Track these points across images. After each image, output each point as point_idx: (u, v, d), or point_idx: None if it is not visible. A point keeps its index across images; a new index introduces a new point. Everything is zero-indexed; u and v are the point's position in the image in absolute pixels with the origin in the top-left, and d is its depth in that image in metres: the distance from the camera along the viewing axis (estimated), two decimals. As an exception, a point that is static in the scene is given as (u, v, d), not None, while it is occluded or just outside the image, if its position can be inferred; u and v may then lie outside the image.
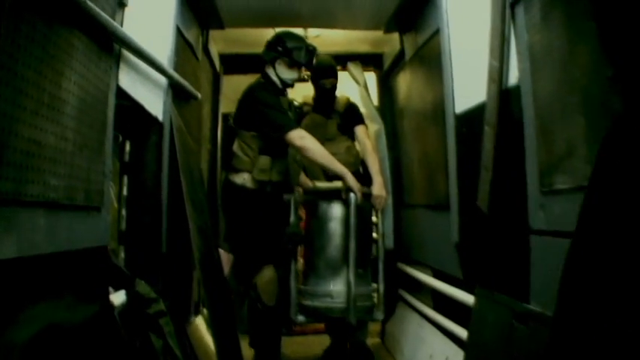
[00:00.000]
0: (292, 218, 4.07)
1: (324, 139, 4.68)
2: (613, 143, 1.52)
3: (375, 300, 4.19)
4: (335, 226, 4.08)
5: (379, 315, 4.26)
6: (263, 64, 4.26)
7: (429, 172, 4.27)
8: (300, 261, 4.30)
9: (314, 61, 4.28)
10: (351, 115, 4.83)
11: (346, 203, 4.00)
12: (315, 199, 4.18)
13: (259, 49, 4.28)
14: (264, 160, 4.04)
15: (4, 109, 1.57)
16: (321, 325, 4.97)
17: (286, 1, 4.47)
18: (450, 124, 3.50)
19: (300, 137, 3.94)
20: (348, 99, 4.95)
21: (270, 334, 4.11)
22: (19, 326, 1.70)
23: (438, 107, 3.76)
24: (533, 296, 2.43)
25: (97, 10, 2.15)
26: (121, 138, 3.26)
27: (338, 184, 4.06)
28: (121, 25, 2.54)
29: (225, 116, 5.63)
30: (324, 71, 4.73)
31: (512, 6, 2.61)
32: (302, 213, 4.33)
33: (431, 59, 3.98)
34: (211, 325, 3.54)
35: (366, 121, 4.94)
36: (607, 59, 1.87)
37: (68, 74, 2.02)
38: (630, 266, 1.40)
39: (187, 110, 4.06)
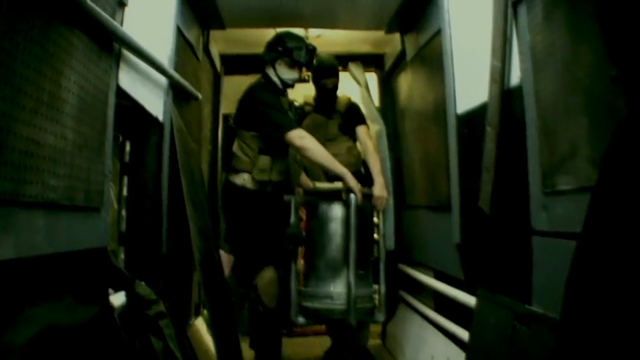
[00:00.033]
0: (293, 219, 4.05)
1: (325, 140, 4.67)
2: (619, 144, 1.50)
3: (377, 301, 4.17)
4: (335, 227, 4.05)
5: (380, 317, 4.24)
6: (264, 64, 4.25)
7: (430, 173, 4.25)
8: (301, 262, 4.28)
9: (314, 61, 4.27)
10: (353, 115, 4.81)
11: (346, 204, 3.98)
12: (316, 200, 4.16)
13: (260, 50, 4.27)
14: (264, 160, 4.03)
15: (3, 108, 1.56)
16: (322, 327, 4.95)
17: (287, 1, 4.46)
18: (452, 124, 3.49)
19: (300, 137, 3.93)
20: (349, 99, 4.93)
21: (271, 335, 4.10)
22: (18, 328, 1.69)
23: (440, 108, 3.75)
24: (535, 297, 2.42)
25: (97, 9, 2.14)
26: (121, 138, 3.24)
27: (338, 184, 4.04)
28: (121, 25, 2.52)
29: (226, 117, 5.62)
30: (325, 71, 4.72)
31: (515, 6, 2.60)
32: (303, 214, 4.31)
33: (432, 59, 3.96)
34: (212, 326, 3.52)
35: (367, 122, 4.92)
36: (610, 59, 1.85)
37: (68, 73, 2.00)
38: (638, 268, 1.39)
39: (188, 111, 4.04)
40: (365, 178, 4.53)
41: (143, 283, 2.71)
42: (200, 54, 4.59)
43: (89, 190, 2.23)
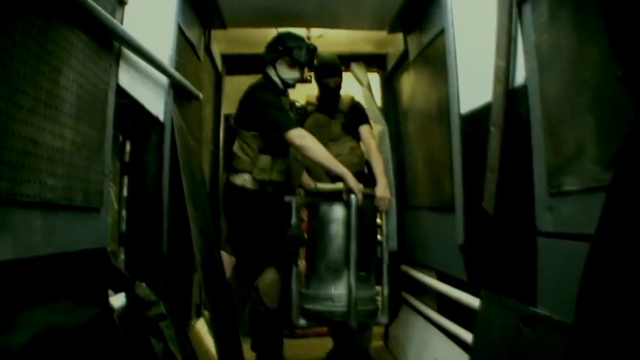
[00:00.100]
0: (294, 220, 4.03)
1: (327, 140, 4.65)
2: (634, 143, 1.48)
3: (379, 303, 4.14)
4: (336, 229, 4.03)
5: (383, 319, 4.21)
6: (265, 64, 4.23)
7: (433, 174, 4.23)
8: (303, 263, 4.26)
9: (315, 60, 4.26)
10: (356, 115, 4.79)
11: (347, 205, 3.95)
12: (317, 201, 4.14)
13: (262, 50, 4.26)
14: (265, 160, 4.01)
15: (0, 107, 1.53)
16: (324, 328, 4.92)
17: (289, 1, 4.45)
18: (455, 124, 3.47)
19: (300, 136, 3.91)
20: (352, 98, 4.91)
21: (272, 336, 4.08)
22: (16, 330, 1.66)
23: (443, 108, 3.73)
24: (540, 299, 2.40)
25: (97, 7, 2.11)
26: (121, 138, 3.22)
27: (339, 185, 4.01)
28: (121, 23, 2.49)
29: (227, 117, 5.60)
30: (328, 70, 4.70)
31: (519, 5, 2.58)
32: (304, 215, 4.29)
33: (436, 59, 3.94)
34: (213, 327, 3.50)
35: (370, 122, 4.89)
36: (617, 58, 1.83)
37: (66, 72, 1.97)
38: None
39: (189, 110, 4.02)
40: (368, 178, 4.50)
41: (143, 284, 2.69)
42: (201, 54, 4.57)
43: (88, 190, 2.20)
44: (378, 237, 4.36)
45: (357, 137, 4.78)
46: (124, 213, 3.30)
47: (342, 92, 4.85)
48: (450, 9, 3.54)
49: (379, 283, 4.19)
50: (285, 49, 4.10)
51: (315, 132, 4.51)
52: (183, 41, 3.78)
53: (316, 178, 4.55)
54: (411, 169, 5.02)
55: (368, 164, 4.71)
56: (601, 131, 1.94)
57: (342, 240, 3.98)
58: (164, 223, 3.34)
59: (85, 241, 2.21)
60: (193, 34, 4.16)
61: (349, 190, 3.92)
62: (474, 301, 3.19)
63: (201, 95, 4.21)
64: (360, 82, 5.63)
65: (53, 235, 1.91)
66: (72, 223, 2.09)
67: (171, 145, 3.44)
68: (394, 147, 5.39)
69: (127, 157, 3.33)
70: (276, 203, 4.03)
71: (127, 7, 2.56)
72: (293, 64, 4.13)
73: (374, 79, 5.87)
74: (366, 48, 5.76)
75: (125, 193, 3.32)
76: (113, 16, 2.36)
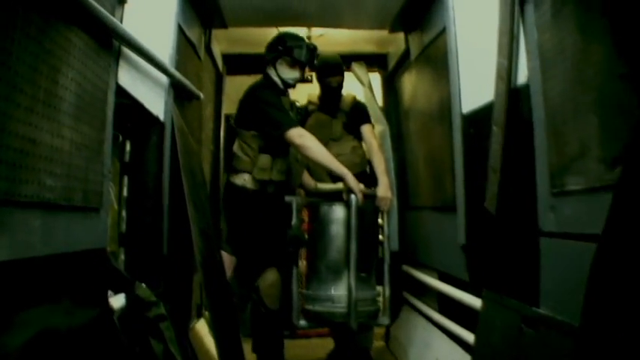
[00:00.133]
0: (294, 221, 4.01)
1: (329, 139, 4.65)
2: None
3: (380, 304, 4.12)
4: (336, 229, 4.01)
5: (384, 320, 4.19)
6: (265, 64, 4.22)
7: (435, 174, 4.21)
8: (303, 263, 4.24)
9: (316, 59, 4.25)
10: (358, 114, 4.77)
11: (347, 205, 3.93)
12: (317, 201, 4.12)
13: (263, 49, 4.25)
14: (264, 159, 4.00)
15: (-3, 106, 1.52)
16: (325, 329, 4.90)
17: (290, 0, 4.43)
18: (457, 124, 3.45)
19: (300, 135, 3.90)
20: (354, 97, 4.89)
21: (274, 338, 4.06)
22: (13, 331, 1.65)
23: (445, 107, 3.72)
24: (542, 300, 2.38)
25: (96, 5, 2.10)
26: (121, 138, 3.20)
27: (340, 185, 4.00)
28: (121, 22, 2.48)
29: (228, 117, 5.59)
30: (329, 69, 4.68)
31: (522, 3, 2.56)
32: (305, 215, 4.27)
33: (437, 59, 3.93)
34: (213, 328, 3.48)
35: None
36: (620, 57, 1.82)
37: (65, 70, 1.96)
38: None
39: (189, 110, 4.01)
40: (370, 178, 4.49)
41: (143, 284, 2.67)
42: (202, 53, 4.56)
43: (88, 190, 2.18)
44: (380, 237, 4.33)
45: (358, 137, 4.76)
46: (124, 213, 3.29)
47: (344, 92, 4.83)
48: (451, 8, 3.52)
49: (380, 283, 4.17)
50: (285, 48, 4.10)
51: (316, 131, 4.50)
52: (183, 40, 3.77)
53: (317, 178, 4.53)
54: (412, 168, 5.00)
55: (370, 164, 4.69)
56: (604, 130, 1.92)
57: (342, 240, 3.96)
58: (164, 224, 3.32)
59: (85, 241, 2.20)
60: (194, 34, 4.15)
61: (349, 190, 3.90)
62: (475, 302, 3.17)
63: (201, 95, 4.20)
64: (361, 82, 5.61)
65: (52, 236, 1.90)
66: (71, 223, 2.07)
67: (172, 145, 3.42)
68: (395, 147, 5.37)
69: (127, 157, 3.31)
70: (276, 203, 4.02)
71: (126, 6, 2.55)
72: (293, 63, 4.13)
73: (375, 78, 5.85)
74: (367, 47, 5.75)
75: (125, 193, 3.31)
76: (113, 14, 2.34)
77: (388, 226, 4.31)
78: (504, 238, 2.82)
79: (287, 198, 4.01)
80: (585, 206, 2.05)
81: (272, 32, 4.53)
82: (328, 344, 4.75)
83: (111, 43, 2.40)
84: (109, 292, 2.51)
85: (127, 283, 2.58)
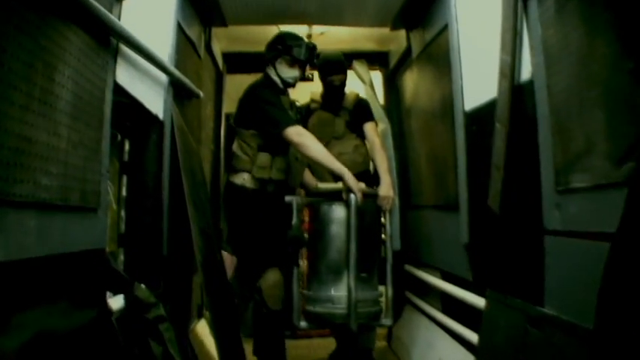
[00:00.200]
0: (294, 221, 3.97)
1: (331, 138, 4.62)
2: None
3: (383, 305, 4.08)
4: (336, 229, 3.97)
5: (387, 321, 4.14)
6: (265, 64, 4.20)
7: (437, 172, 4.19)
8: (305, 263, 4.20)
9: (315, 58, 4.23)
10: (361, 112, 4.74)
11: (347, 204, 3.89)
12: (317, 201, 4.08)
13: (263, 48, 4.22)
14: (264, 158, 3.98)
15: (-10, 103, 1.49)
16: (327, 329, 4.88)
17: (291, -3, 4.41)
18: (459, 122, 3.43)
19: (298, 134, 3.88)
20: (357, 95, 4.86)
21: (276, 338, 4.03)
22: (9, 333, 1.62)
23: (447, 105, 3.69)
24: (547, 299, 2.36)
25: (92, 2, 2.07)
26: (119, 137, 3.18)
27: (340, 184, 3.96)
28: (119, 19, 2.45)
29: (229, 116, 5.56)
30: (332, 67, 4.66)
31: (525, -1, 2.53)
32: (305, 215, 4.23)
33: (439, 56, 3.90)
34: (214, 330, 3.45)
35: (373, 120, 4.85)
36: (627, 51, 1.78)
37: (61, 68, 1.93)
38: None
39: (189, 109, 3.98)
40: (374, 177, 4.45)
41: (143, 285, 2.65)
42: (202, 52, 4.53)
43: (85, 190, 2.15)
44: (382, 236, 4.29)
45: (361, 135, 4.72)
46: (123, 213, 3.26)
47: (347, 89, 4.80)
48: (453, 4, 3.50)
49: (383, 283, 4.13)
50: (284, 47, 4.08)
51: (318, 130, 4.48)
52: (182, 39, 3.74)
53: (319, 177, 4.50)
54: (414, 167, 4.98)
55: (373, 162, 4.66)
56: (611, 126, 1.90)
57: (342, 240, 3.92)
58: (164, 224, 3.30)
59: (82, 242, 2.17)
60: (193, 32, 4.12)
61: (348, 190, 3.86)
62: (479, 301, 3.15)
63: (201, 94, 4.18)
64: (363, 80, 5.58)
65: (48, 236, 1.87)
66: (68, 223, 2.04)
67: (171, 144, 3.40)
68: (397, 145, 5.35)
69: (126, 157, 3.29)
70: (276, 203, 3.99)
71: (125, 4, 2.52)
72: (293, 62, 4.11)
73: (376, 76, 5.82)
74: (368, 45, 5.72)
75: (124, 192, 3.28)
76: (110, 11, 2.31)
77: (390, 226, 4.26)
78: (508, 237, 2.80)
79: (287, 198, 3.97)
80: (591, 204, 2.03)
81: (272, 30, 4.51)
82: (330, 344, 4.72)
83: (108, 40, 2.37)
84: (108, 293, 2.49)
85: (125, 283, 2.56)
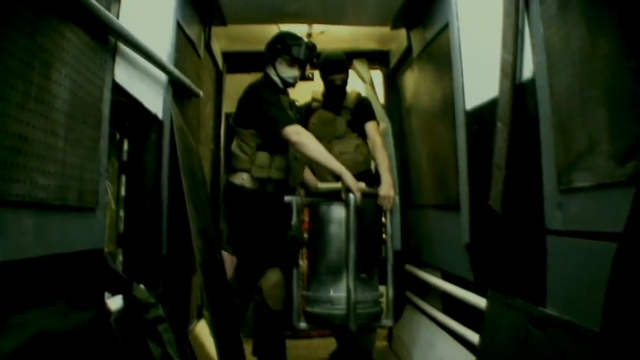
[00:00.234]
0: (294, 221, 3.95)
1: (332, 137, 4.60)
2: None
3: (384, 306, 4.05)
4: (335, 229, 3.93)
5: (388, 322, 4.10)
6: (264, 63, 4.19)
7: (438, 172, 4.17)
8: (305, 264, 4.18)
9: (315, 57, 4.21)
10: (362, 111, 4.70)
11: (346, 204, 3.86)
12: (316, 201, 4.06)
13: (263, 47, 4.20)
14: (262, 157, 3.97)
15: (-15, 102, 1.47)
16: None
17: (290, -4, 4.40)
18: (460, 121, 3.41)
19: (297, 133, 3.86)
20: (358, 94, 4.83)
21: (276, 339, 4.01)
22: (6, 334, 1.60)
23: (448, 104, 3.67)
24: (550, 300, 2.34)
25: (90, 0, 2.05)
26: (118, 136, 3.16)
27: (339, 184, 3.93)
28: (117, 18, 2.43)
29: (228, 116, 5.55)
30: (333, 66, 4.63)
31: (527, -4, 2.52)
32: (305, 215, 4.21)
33: (440, 55, 3.89)
34: (213, 330, 3.44)
35: (374, 119, 4.83)
36: (630, 49, 1.77)
37: (59, 66, 1.91)
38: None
39: (189, 109, 3.97)
40: (376, 177, 4.42)
41: (142, 285, 2.63)
42: (201, 51, 4.51)
43: (83, 190, 2.13)
44: (383, 236, 4.27)
45: (363, 135, 4.69)
46: (122, 213, 3.25)
47: (348, 89, 4.78)
48: (454, 3, 3.48)
49: (384, 283, 4.11)
50: (283, 47, 4.07)
51: (320, 129, 4.46)
52: (182, 38, 3.73)
53: (320, 177, 4.48)
54: (415, 166, 4.96)
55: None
56: (614, 125, 1.88)
57: (341, 241, 3.89)
58: (163, 224, 3.29)
59: (80, 242, 2.15)
60: (193, 31, 4.11)
61: (347, 189, 3.82)
62: (480, 302, 3.13)
63: (201, 93, 4.17)
64: (363, 79, 5.56)
65: (45, 236, 1.85)
66: (66, 223, 2.03)
67: (171, 143, 3.38)
68: (398, 145, 5.33)
69: (125, 156, 3.27)
70: (275, 203, 3.97)
71: (124, 3, 2.50)
72: (292, 62, 4.09)
73: (376, 76, 5.80)
74: (369, 44, 5.70)
75: (123, 192, 3.26)
76: (109, 10, 2.29)
77: (391, 225, 4.23)
78: (509, 237, 2.79)
79: (286, 198, 3.94)
80: (594, 203, 2.01)
81: (272, 30, 4.49)
82: (330, 344, 4.70)
83: (107, 39, 2.36)
84: (107, 294, 2.47)
85: (124, 284, 2.54)
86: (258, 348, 4.01)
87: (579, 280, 2.10)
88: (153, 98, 3.12)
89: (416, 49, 4.59)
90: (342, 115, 4.71)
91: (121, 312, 2.47)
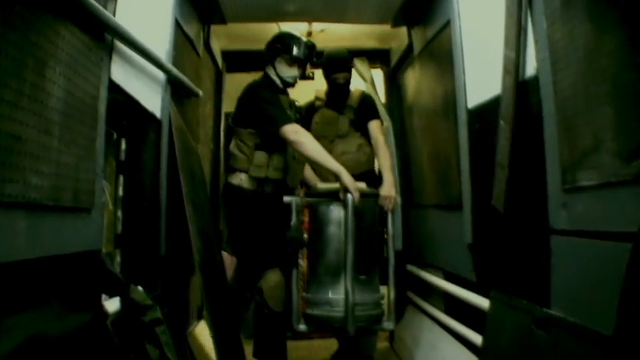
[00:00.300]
0: (293, 221, 3.91)
1: (335, 136, 4.56)
2: None
3: (385, 308, 4.01)
4: (334, 230, 3.90)
5: (389, 325, 4.04)
6: (264, 63, 4.17)
7: (439, 171, 4.14)
8: (305, 265, 4.15)
9: (314, 56, 4.18)
10: (366, 109, 4.66)
11: (344, 204, 3.82)
12: (316, 201, 4.02)
13: (263, 46, 4.18)
14: (260, 156, 3.95)
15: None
16: (327, 330, 4.83)
17: (290, -6, 4.37)
18: (462, 119, 3.38)
19: (295, 132, 3.83)
20: (362, 92, 4.79)
21: (277, 340, 3.98)
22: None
23: (449, 102, 3.65)
24: (554, 300, 2.31)
25: (85, -4, 2.02)
26: (115, 135, 3.13)
27: (338, 184, 3.88)
28: (114, 15, 2.39)
29: (228, 116, 5.53)
30: (336, 65, 4.60)
31: (529, -8, 2.48)
32: (305, 215, 4.18)
33: (441, 53, 3.86)
34: (213, 332, 3.40)
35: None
36: (635, 45, 1.73)
37: (53, 64, 1.88)
38: None
39: (188, 108, 3.95)
40: (379, 178, 4.37)
41: (139, 287, 2.59)
42: (200, 50, 4.49)
43: (78, 190, 2.10)
44: (385, 236, 4.23)
45: (366, 134, 4.64)
46: (119, 213, 3.21)
47: (352, 87, 4.74)
48: (455, 0, 3.44)
49: (385, 284, 4.07)
50: (283, 46, 4.05)
51: (322, 128, 4.44)
52: (180, 36, 3.70)
53: (322, 176, 4.44)
54: (416, 166, 4.93)
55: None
56: (620, 122, 1.84)
57: (339, 242, 3.84)
58: (162, 224, 3.26)
59: (76, 243, 2.12)
60: (192, 29, 4.08)
61: (345, 189, 3.78)
62: (483, 302, 3.10)
63: (200, 92, 4.14)
64: (363, 78, 5.53)
65: (39, 237, 1.81)
66: (60, 224, 1.99)
67: (169, 142, 3.36)
68: (399, 144, 5.31)
69: (122, 156, 3.24)
70: (274, 203, 3.94)
71: (120, 0, 2.47)
72: (292, 61, 4.08)
73: (377, 74, 5.77)
74: (369, 43, 5.67)
75: (121, 192, 3.23)
76: (104, 7, 2.26)
77: (392, 226, 4.19)
78: (513, 237, 2.76)
79: (286, 198, 3.91)
80: (599, 202, 1.98)
81: (272, 28, 4.47)
82: (331, 345, 4.68)
83: (103, 36, 2.32)
84: (104, 296, 2.44)
85: (121, 285, 2.50)
86: (259, 349, 3.98)
87: (584, 281, 2.07)
88: (151, 97, 3.09)
89: (417, 47, 4.56)
90: (345, 113, 4.67)
91: (118, 314, 2.44)
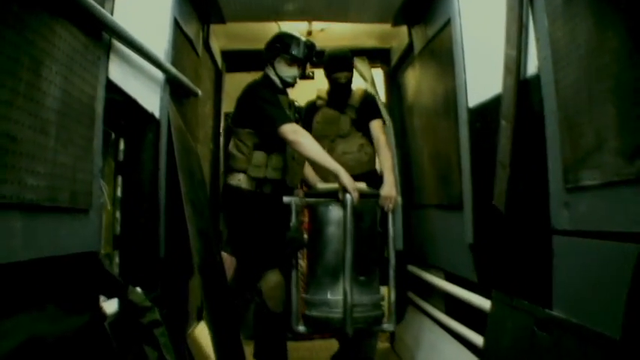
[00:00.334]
0: (293, 221, 3.89)
1: (336, 136, 4.54)
2: None
3: (385, 309, 3.98)
4: (333, 230, 3.87)
5: (389, 326, 4.00)
6: (264, 63, 4.15)
7: (440, 171, 4.13)
8: (305, 266, 4.13)
9: (314, 56, 4.15)
10: (368, 109, 4.64)
11: (343, 204, 3.79)
12: (315, 201, 3.99)
13: (263, 46, 4.16)
14: (259, 156, 3.93)
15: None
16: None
17: (290, -7, 4.35)
18: (463, 118, 3.37)
19: (293, 131, 3.81)
20: (364, 91, 4.77)
21: (277, 341, 3.96)
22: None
23: (450, 101, 3.63)
24: (556, 301, 2.29)
25: (83, -6, 2.00)
26: (114, 135, 3.11)
27: (337, 184, 3.85)
28: (112, 14, 2.37)
29: (228, 116, 5.52)
30: (337, 64, 4.57)
31: (531, -10, 2.47)
32: (305, 216, 4.16)
33: (442, 52, 3.84)
34: (212, 333, 3.38)
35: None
36: (638, 43, 1.71)
37: (49, 63, 1.85)
38: None
39: (187, 108, 3.93)
40: (381, 178, 4.34)
41: (137, 288, 2.57)
42: (200, 49, 4.47)
43: (76, 191, 2.08)
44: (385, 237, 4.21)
45: (367, 134, 4.61)
46: (118, 214, 3.19)
47: (354, 86, 4.72)
48: (456, -2, 3.43)
49: (386, 284, 4.05)
50: (282, 46, 4.03)
51: (323, 128, 4.42)
52: (180, 35, 3.69)
53: (322, 176, 4.42)
54: (417, 165, 4.92)
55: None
56: (622, 121, 1.83)
57: (339, 242, 3.82)
58: (161, 225, 3.24)
59: (73, 244, 2.10)
60: (191, 29, 4.06)
61: (344, 189, 3.75)
62: (484, 303, 3.09)
63: (199, 92, 4.12)
64: (364, 78, 5.51)
65: (35, 239, 1.79)
66: (57, 225, 1.97)
67: (168, 143, 3.34)
68: (399, 143, 5.29)
69: (121, 156, 3.22)
70: (273, 204, 3.92)
71: (118, -1, 2.46)
72: (292, 61, 4.06)
73: (377, 74, 5.76)
74: (370, 42, 5.66)
75: (119, 193, 3.21)
76: (102, 5, 2.24)
77: (393, 226, 4.17)
78: (514, 237, 2.74)
79: (285, 199, 3.88)
80: (602, 202, 1.96)
81: (272, 28, 4.45)
82: (332, 345, 4.66)
83: (100, 35, 2.30)
84: (102, 298, 2.42)
85: (119, 287, 2.48)
86: (259, 350, 3.96)
87: (586, 281, 2.06)
88: (149, 97, 3.07)
89: (417, 46, 4.54)
90: (346, 113, 4.64)
91: (116, 316, 2.42)
